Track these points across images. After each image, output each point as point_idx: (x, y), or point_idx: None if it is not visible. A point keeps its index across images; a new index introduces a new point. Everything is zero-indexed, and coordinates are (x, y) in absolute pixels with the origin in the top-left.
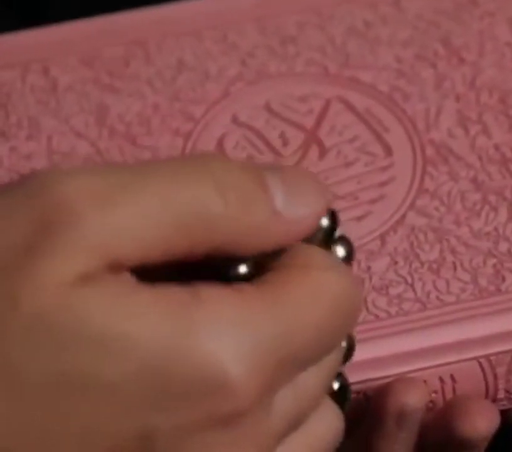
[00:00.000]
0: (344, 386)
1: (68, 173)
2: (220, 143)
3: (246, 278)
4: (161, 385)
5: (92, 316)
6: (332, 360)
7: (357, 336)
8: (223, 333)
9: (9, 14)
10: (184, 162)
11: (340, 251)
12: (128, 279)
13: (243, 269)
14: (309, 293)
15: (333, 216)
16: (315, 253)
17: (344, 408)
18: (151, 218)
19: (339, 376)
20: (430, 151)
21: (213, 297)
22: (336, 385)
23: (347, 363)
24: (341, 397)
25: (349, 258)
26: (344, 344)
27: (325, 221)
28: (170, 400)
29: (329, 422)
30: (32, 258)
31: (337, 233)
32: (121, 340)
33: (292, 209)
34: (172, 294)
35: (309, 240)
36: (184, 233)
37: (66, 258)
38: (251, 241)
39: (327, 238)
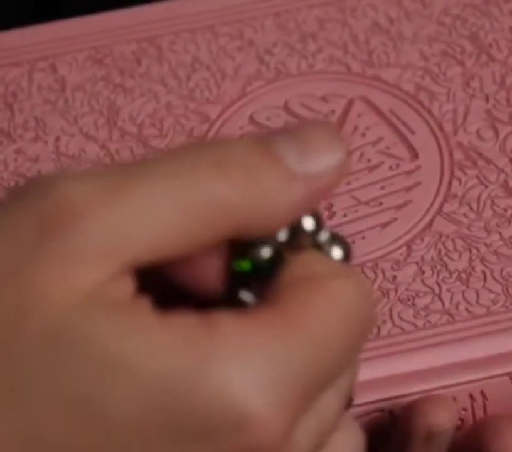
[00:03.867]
0: (347, 254)
1: (68, 176)
2: None
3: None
4: (178, 421)
5: (102, 345)
6: (348, 377)
7: (383, 351)
8: (242, 364)
9: (20, 9)
10: (186, 152)
11: (336, 252)
12: (139, 300)
13: (266, 252)
14: (323, 310)
15: (317, 217)
16: (315, 261)
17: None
18: (158, 215)
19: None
20: (458, 154)
21: (229, 326)
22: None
23: None
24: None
25: (347, 258)
26: None
27: (309, 224)
28: (188, 437)
29: (350, 440)
30: (39, 270)
31: (326, 234)
32: (132, 374)
33: (308, 167)
34: (188, 323)
35: (293, 245)
36: (196, 224)
37: (75, 268)
38: (274, 211)
39: (315, 241)
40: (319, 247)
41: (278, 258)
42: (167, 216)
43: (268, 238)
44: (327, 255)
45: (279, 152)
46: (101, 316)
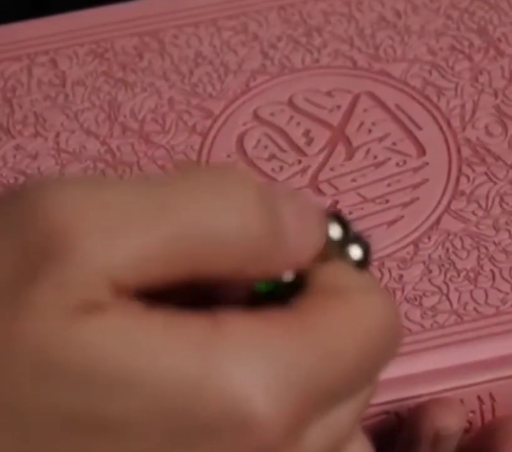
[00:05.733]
0: (367, 253)
1: (59, 189)
2: (240, 141)
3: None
4: (179, 421)
5: (101, 350)
6: (367, 394)
7: None
8: (247, 364)
9: (19, 3)
10: (198, 179)
11: (355, 252)
12: (138, 304)
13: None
14: (345, 320)
15: (343, 223)
16: (348, 274)
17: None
18: (153, 237)
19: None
20: (466, 150)
21: (235, 324)
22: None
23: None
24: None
25: (366, 259)
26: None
27: (337, 232)
28: (190, 438)
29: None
30: (29, 288)
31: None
32: (134, 377)
33: (299, 237)
34: (190, 322)
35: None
36: (188, 253)
37: (66, 286)
38: (259, 266)
39: (342, 247)
40: (338, 246)
41: (299, 282)
42: (160, 240)
43: None
44: (346, 254)
45: (281, 210)
46: (96, 326)
